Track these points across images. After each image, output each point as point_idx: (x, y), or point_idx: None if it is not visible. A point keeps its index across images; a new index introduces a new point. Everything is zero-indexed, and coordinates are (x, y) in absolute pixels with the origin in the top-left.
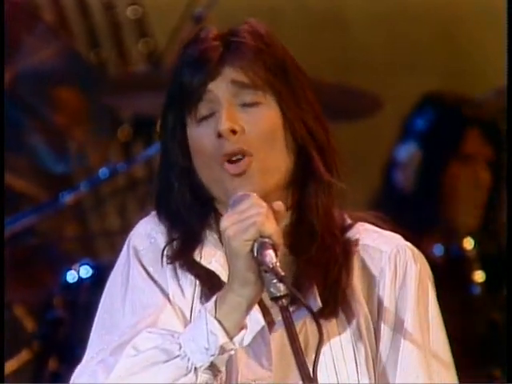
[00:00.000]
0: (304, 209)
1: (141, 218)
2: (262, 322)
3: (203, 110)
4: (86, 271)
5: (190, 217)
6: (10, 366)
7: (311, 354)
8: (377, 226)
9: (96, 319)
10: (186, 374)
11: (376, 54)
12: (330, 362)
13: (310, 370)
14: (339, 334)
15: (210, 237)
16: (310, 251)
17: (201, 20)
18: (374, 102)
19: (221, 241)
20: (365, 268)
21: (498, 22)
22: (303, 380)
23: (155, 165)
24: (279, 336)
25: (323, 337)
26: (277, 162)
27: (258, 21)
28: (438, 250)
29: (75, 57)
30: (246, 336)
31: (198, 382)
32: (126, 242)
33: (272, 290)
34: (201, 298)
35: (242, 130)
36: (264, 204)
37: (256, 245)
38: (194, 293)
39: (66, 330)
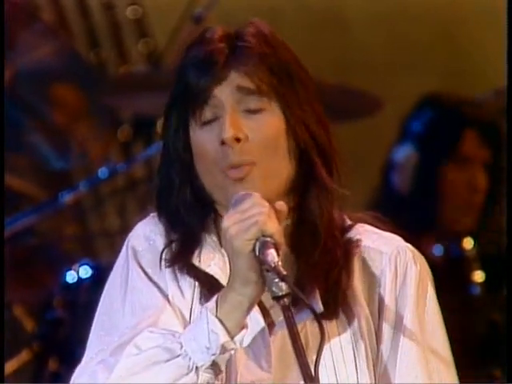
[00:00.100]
0: (305, 212)
1: (140, 218)
2: (262, 323)
3: (207, 113)
4: (85, 271)
5: (190, 217)
6: (10, 366)
7: (311, 356)
8: (376, 226)
9: (95, 320)
10: (187, 374)
11: (376, 54)
12: (330, 363)
13: (312, 370)
14: (339, 335)
15: (209, 239)
16: (312, 255)
17: (201, 20)
18: (373, 102)
19: (220, 243)
20: (365, 269)
21: (498, 23)
22: (305, 379)
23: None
24: (279, 338)
25: (325, 336)
26: (279, 168)
27: (262, 21)
28: (437, 250)
29: (75, 57)
30: (246, 337)
31: (200, 381)
32: (125, 244)
33: (274, 289)
34: (200, 300)
35: (245, 137)
36: (266, 203)
37: (258, 244)
38: (194, 294)
39: (66, 330)
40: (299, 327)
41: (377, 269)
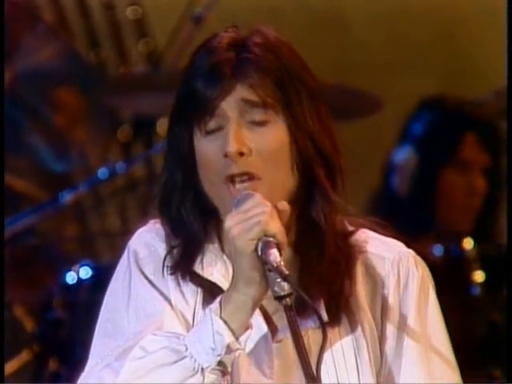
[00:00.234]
0: (309, 222)
1: (141, 219)
2: (264, 328)
3: (212, 123)
4: (85, 272)
5: (192, 223)
6: (11, 366)
7: (314, 362)
8: (376, 232)
9: (97, 327)
10: (193, 375)
11: (376, 54)
12: (332, 369)
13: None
14: (341, 340)
15: (211, 246)
16: (317, 265)
17: (201, 20)
18: (373, 102)
19: (222, 250)
20: (368, 274)
21: (498, 23)
22: (306, 379)
23: (155, 165)
24: (282, 344)
25: (327, 337)
26: (283, 182)
27: (268, 28)
28: (437, 250)
29: (75, 57)
30: (248, 343)
31: (206, 382)
32: (126, 251)
33: (276, 288)
34: (203, 305)
35: (249, 151)
36: (268, 203)
37: (260, 244)
38: (196, 300)
39: (66, 330)
40: (302, 335)
41: (379, 274)
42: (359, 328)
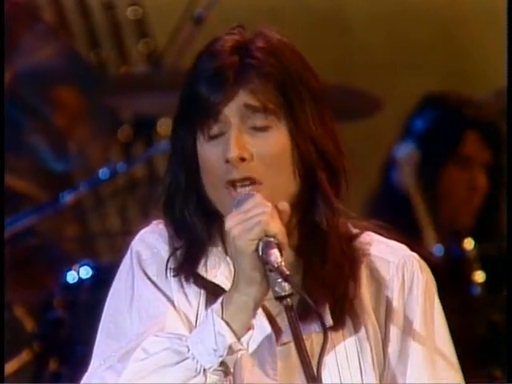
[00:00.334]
0: (312, 226)
1: (141, 219)
2: (268, 329)
3: (214, 128)
4: (86, 272)
5: (196, 225)
6: (11, 366)
7: (316, 364)
8: (380, 234)
9: (100, 328)
10: (195, 376)
11: (376, 54)
12: (335, 370)
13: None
14: (345, 342)
15: (215, 249)
16: (320, 269)
17: (201, 20)
18: (374, 102)
19: (225, 252)
20: (372, 277)
21: (498, 23)
22: (307, 379)
23: (155, 165)
24: (286, 346)
25: (328, 336)
26: (284, 186)
27: (271, 30)
28: (438, 250)
29: (75, 57)
30: (251, 343)
31: (208, 382)
32: (129, 252)
33: (277, 289)
34: (206, 306)
35: (250, 157)
36: (268, 203)
37: (261, 244)
38: (200, 301)
39: (66, 330)
40: (305, 338)
41: (384, 278)
42: (363, 330)
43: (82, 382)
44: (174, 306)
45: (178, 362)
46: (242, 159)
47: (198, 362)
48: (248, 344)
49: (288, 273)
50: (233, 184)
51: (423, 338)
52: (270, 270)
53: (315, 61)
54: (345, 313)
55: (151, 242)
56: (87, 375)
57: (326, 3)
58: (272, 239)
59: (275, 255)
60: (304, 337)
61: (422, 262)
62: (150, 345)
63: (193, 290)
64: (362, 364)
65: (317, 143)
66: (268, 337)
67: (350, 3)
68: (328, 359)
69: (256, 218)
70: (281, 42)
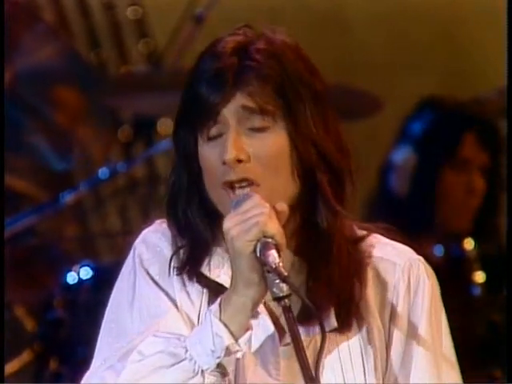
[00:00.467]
0: (314, 229)
1: (141, 219)
2: (271, 329)
3: (213, 130)
4: (86, 272)
5: (198, 225)
6: (11, 366)
7: (320, 368)
8: (386, 237)
9: (102, 327)
10: (192, 377)
11: (376, 54)
12: (339, 371)
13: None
14: (349, 343)
15: (218, 248)
16: (324, 272)
17: (201, 20)
18: (374, 102)
19: (228, 252)
20: (378, 279)
21: (498, 22)
22: (305, 380)
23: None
24: (289, 347)
25: (326, 335)
26: (283, 187)
27: (274, 31)
28: (438, 250)
29: (75, 57)
30: (254, 343)
31: (206, 383)
32: (131, 251)
33: (275, 290)
34: (209, 305)
35: (247, 158)
36: (267, 204)
37: (259, 245)
38: (202, 300)
39: (67, 330)
40: (309, 341)
41: (389, 280)
42: (368, 332)
43: (83, 381)
44: (176, 305)
45: (173, 364)
46: (239, 161)
47: (195, 362)
48: (248, 344)
49: (286, 274)
50: (230, 185)
51: (428, 342)
52: (268, 271)
53: (315, 61)
54: (351, 316)
55: (154, 241)
56: (88, 375)
57: (325, 3)
58: (270, 240)
59: (273, 256)
60: (308, 338)
61: (428, 266)
62: (145, 346)
63: (195, 289)
64: (365, 365)
65: (317, 145)
66: (271, 337)
67: (349, 3)
68: (332, 360)
69: (254, 218)
70: (283, 44)
